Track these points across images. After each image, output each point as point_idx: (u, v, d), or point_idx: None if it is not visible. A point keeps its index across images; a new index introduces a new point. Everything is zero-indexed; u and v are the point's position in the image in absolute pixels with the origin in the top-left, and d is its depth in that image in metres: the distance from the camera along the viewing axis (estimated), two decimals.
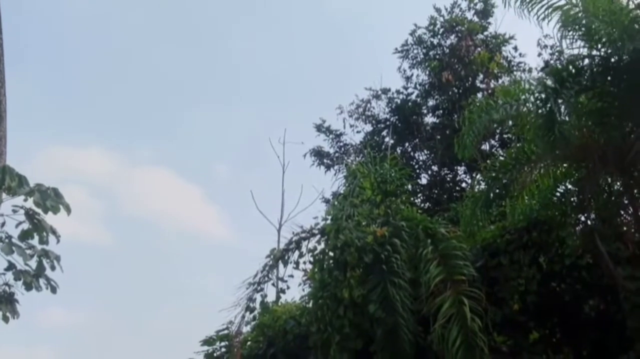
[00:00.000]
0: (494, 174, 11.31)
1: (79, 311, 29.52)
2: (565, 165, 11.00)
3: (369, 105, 22.07)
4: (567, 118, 10.48)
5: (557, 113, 9.35)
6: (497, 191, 11.40)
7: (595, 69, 9.68)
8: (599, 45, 9.73)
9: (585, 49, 9.91)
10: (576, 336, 10.58)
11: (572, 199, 11.12)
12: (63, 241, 15.13)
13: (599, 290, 10.30)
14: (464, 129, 10.92)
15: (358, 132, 22.15)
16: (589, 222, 11.13)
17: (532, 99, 10.06)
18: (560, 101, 9.36)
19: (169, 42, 36.22)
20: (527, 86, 10.47)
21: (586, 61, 9.93)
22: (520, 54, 21.12)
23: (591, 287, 10.27)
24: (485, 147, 19.49)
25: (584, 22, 9.73)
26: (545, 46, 20.32)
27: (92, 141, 32.67)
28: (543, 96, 9.55)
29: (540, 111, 9.58)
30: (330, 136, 22.33)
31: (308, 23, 37.30)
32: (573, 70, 9.74)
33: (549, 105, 9.33)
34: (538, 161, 10.89)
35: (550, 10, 9.90)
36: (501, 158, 12.50)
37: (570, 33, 9.94)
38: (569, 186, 11.30)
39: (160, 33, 36.55)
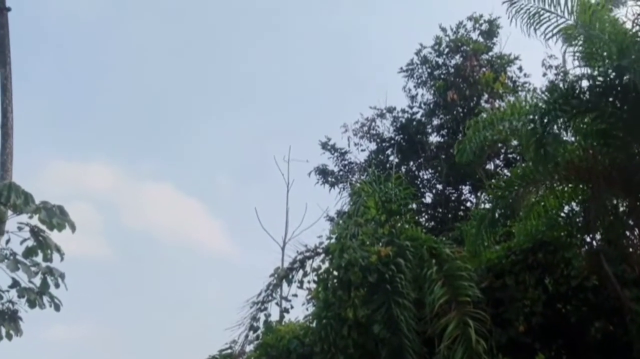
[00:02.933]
0: (499, 193, 11.29)
1: (80, 326, 29.40)
2: (570, 185, 10.99)
3: (373, 123, 22.11)
4: (572, 138, 10.56)
5: (545, 133, 9.35)
6: (502, 210, 11.37)
7: (597, 90, 9.70)
8: (602, 64, 9.76)
9: (589, 69, 9.95)
10: (582, 358, 10.49)
11: (577, 220, 11.10)
12: (65, 255, 15.12)
13: (605, 312, 10.23)
14: (467, 133, 10.91)
15: (363, 150, 22.18)
16: (594, 243, 11.10)
17: (524, 119, 10.07)
18: (547, 120, 9.38)
19: (172, 56, 36.44)
20: (527, 104, 10.48)
21: (588, 82, 9.98)
22: (525, 75, 21.18)
23: (597, 309, 10.21)
24: (490, 166, 19.49)
25: (587, 42, 9.78)
26: (550, 66, 20.40)
27: (94, 156, 32.80)
28: (531, 117, 9.60)
29: (531, 131, 9.64)
30: (335, 154, 22.36)
31: (313, 41, 37.52)
32: (569, 92, 9.78)
33: (538, 125, 9.39)
34: (543, 180, 10.88)
35: (556, 29, 9.96)
36: (506, 177, 12.50)
37: (575, 53, 10.01)
38: (575, 207, 11.27)
39: (163, 48, 36.81)
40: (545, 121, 9.34)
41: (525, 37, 10.18)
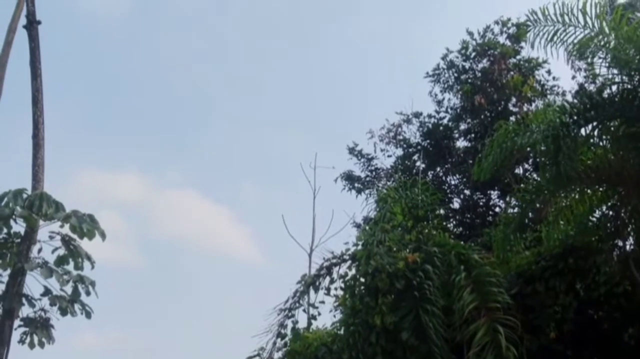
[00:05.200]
0: (527, 197, 11.16)
1: (111, 333, 29.78)
2: (600, 190, 10.83)
3: (400, 129, 22.02)
4: (602, 142, 10.42)
5: (560, 152, 9.27)
6: (531, 214, 11.25)
7: (624, 94, 9.57)
8: (627, 69, 9.63)
9: (615, 75, 9.84)
10: None
11: (608, 224, 10.91)
12: (96, 264, 15.33)
13: (638, 318, 10.03)
14: (485, 151, 10.89)
15: (389, 156, 22.11)
16: (627, 248, 10.90)
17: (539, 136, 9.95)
18: (563, 134, 9.31)
19: (199, 65, 36.92)
20: (549, 114, 10.37)
21: (611, 88, 9.88)
22: (553, 78, 20.91)
23: (630, 315, 10.01)
24: (519, 171, 19.26)
25: (611, 49, 9.67)
26: (580, 69, 20.09)
27: (122, 165, 33.31)
28: (546, 133, 9.52)
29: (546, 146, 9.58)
30: (362, 160, 22.31)
31: (339, 47, 37.64)
32: (595, 99, 9.67)
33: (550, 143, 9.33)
34: (572, 185, 10.73)
35: (578, 42, 9.88)
36: (536, 181, 12.35)
37: (599, 62, 9.94)
38: (606, 211, 11.09)
39: (190, 56, 37.31)
40: (562, 134, 9.26)
41: (550, 55, 10.21)
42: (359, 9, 38.08)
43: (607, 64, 9.92)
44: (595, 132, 10.06)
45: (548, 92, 20.56)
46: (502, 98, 20.33)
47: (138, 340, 30.74)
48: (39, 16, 16.90)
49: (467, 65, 21.37)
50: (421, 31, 35.82)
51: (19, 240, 14.69)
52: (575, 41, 9.87)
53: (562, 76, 21.56)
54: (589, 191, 10.82)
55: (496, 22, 21.57)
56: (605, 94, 9.83)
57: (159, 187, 35.98)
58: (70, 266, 14.77)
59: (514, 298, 9.94)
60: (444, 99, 21.82)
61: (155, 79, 36.81)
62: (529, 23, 10.30)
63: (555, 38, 9.99)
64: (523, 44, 21.21)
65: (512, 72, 20.55)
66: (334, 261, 11.28)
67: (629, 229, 10.61)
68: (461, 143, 21.50)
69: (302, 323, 11.90)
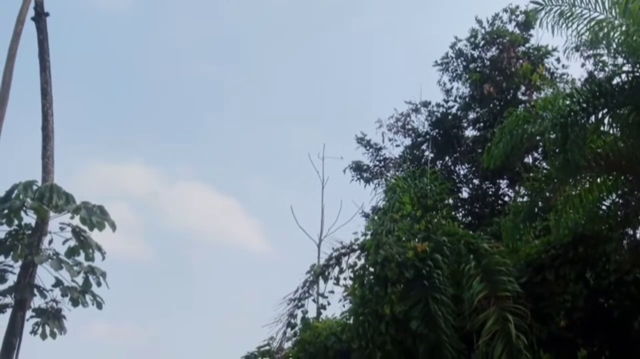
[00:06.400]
0: (536, 186, 11.13)
1: (122, 323, 30.01)
2: (610, 178, 10.78)
3: (408, 118, 21.95)
4: (612, 130, 10.37)
5: (569, 138, 9.24)
6: (540, 203, 11.22)
7: (634, 83, 9.52)
8: (637, 59, 9.58)
9: (623, 62, 9.79)
10: (626, 353, 10.27)
11: (618, 212, 10.87)
12: (106, 255, 15.45)
13: None
14: (495, 138, 10.87)
15: (397, 146, 22.04)
16: (637, 236, 10.86)
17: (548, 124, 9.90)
18: (571, 122, 9.27)
19: (208, 59, 36.90)
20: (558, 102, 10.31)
21: (621, 76, 9.83)
22: (563, 66, 20.77)
23: None
24: (528, 160, 19.19)
25: (620, 35, 9.60)
26: (589, 57, 19.93)
27: (133, 157, 33.45)
28: (554, 121, 9.48)
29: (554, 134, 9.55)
30: (370, 150, 22.26)
31: (347, 38, 37.52)
32: (603, 87, 9.62)
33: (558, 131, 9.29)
34: (583, 173, 10.68)
35: (587, 25, 9.80)
36: (545, 170, 12.32)
37: (608, 48, 9.87)
38: (615, 199, 11.05)
39: (198, 50, 37.30)
40: (570, 122, 9.22)
41: (557, 34, 10.13)
42: (367, 0, 37.94)
43: (614, 52, 9.86)
44: (605, 120, 10.00)
45: (557, 80, 20.41)
46: (511, 86, 20.22)
47: (149, 331, 30.97)
48: (47, 8, 16.98)
49: (475, 53, 21.26)
50: (429, 20, 35.67)
51: (29, 232, 14.81)
52: (583, 24, 9.81)
53: (572, 64, 21.43)
54: (598, 179, 10.78)
55: (505, 10, 21.44)
56: (614, 82, 9.77)
57: (169, 180, 36.14)
58: (81, 257, 14.89)
59: (523, 286, 9.94)
60: (452, 88, 21.74)
61: (166, 72, 36.90)
62: (540, 0, 10.22)
63: (561, 21, 9.93)
64: (532, 32, 21.09)
65: (521, 61, 20.42)
66: (343, 251, 11.29)
67: (639, 217, 10.56)
68: (470, 132, 21.42)
69: (311, 313, 11.94)
